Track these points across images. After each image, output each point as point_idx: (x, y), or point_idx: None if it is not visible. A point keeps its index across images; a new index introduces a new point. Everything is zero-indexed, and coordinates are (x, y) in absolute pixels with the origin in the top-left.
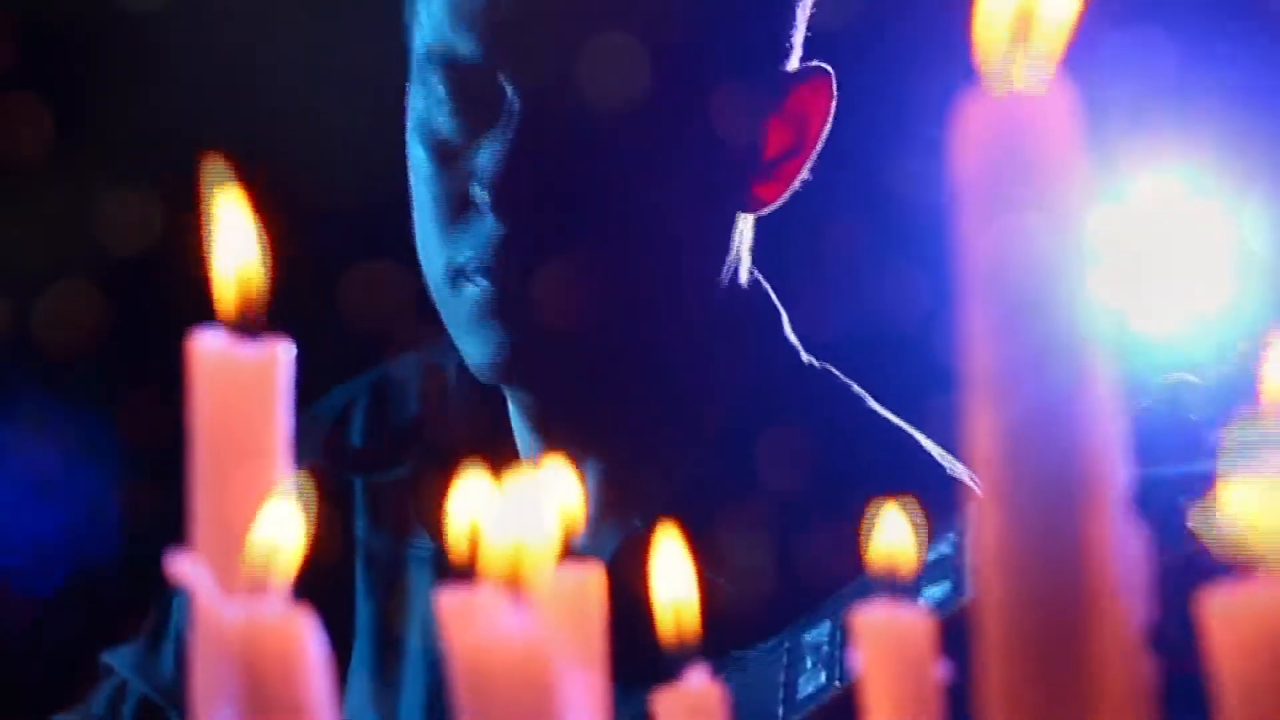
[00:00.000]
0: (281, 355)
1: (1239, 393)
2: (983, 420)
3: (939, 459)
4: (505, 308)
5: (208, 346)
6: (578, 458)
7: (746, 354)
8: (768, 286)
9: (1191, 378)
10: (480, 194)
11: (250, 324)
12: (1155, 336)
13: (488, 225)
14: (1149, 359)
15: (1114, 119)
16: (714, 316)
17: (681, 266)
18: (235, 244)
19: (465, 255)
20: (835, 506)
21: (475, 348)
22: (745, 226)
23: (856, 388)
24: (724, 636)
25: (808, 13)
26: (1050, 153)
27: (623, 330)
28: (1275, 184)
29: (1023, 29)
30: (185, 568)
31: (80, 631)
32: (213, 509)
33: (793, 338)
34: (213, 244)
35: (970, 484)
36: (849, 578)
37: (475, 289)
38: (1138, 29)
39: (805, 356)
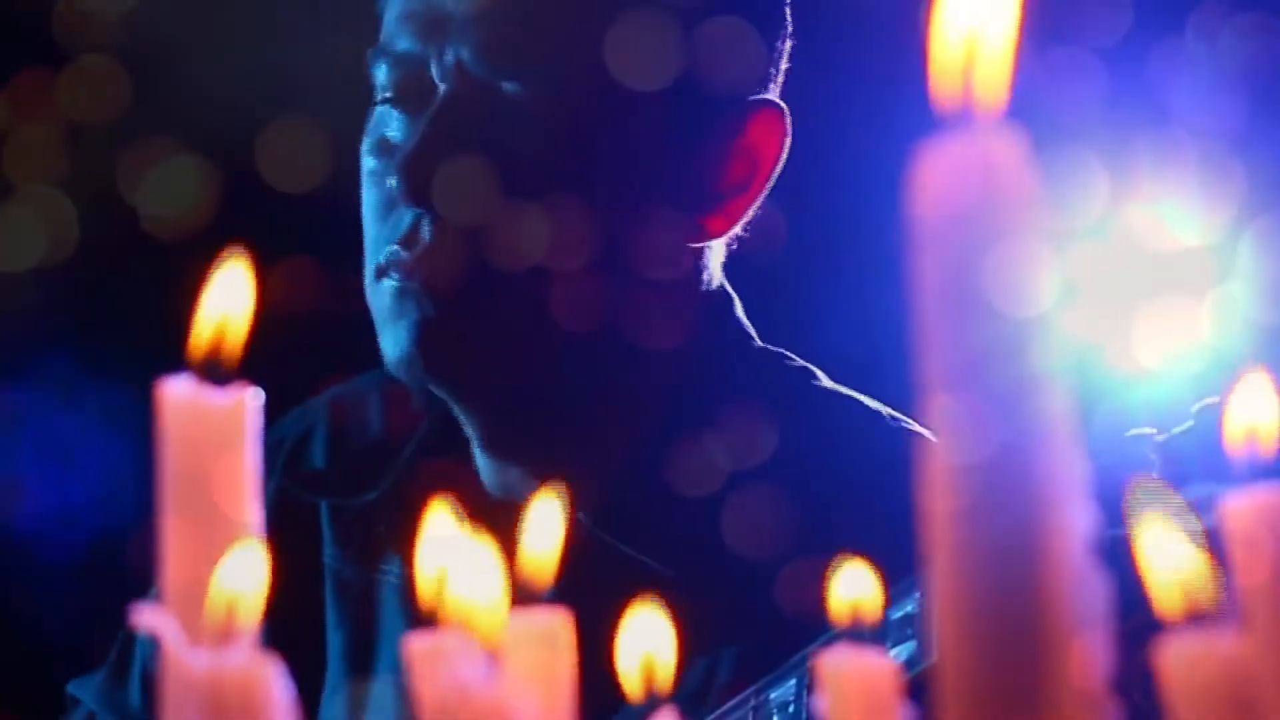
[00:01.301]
0: (249, 402)
1: (1200, 448)
2: (941, 467)
3: (889, 418)
4: (414, 296)
5: (176, 393)
6: (526, 478)
7: (696, 340)
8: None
9: (1153, 433)
10: (394, 178)
11: (220, 371)
12: (1131, 375)
13: (405, 216)
14: (1125, 398)
15: (1091, 156)
16: (662, 317)
17: (608, 268)
18: (225, 297)
19: (386, 250)
20: (791, 479)
21: (389, 342)
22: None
23: (811, 367)
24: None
25: (780, 48)
26: (1007, 193)
27: (533, 322)
28: (1257, 221)
29: (970, 66)
30: (151, 617)
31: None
32: (181, 554)
33: (745, 322)
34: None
35: (926, 436)
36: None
37: (391, 282)
38: (1115, 65)
39: (757, 342)
